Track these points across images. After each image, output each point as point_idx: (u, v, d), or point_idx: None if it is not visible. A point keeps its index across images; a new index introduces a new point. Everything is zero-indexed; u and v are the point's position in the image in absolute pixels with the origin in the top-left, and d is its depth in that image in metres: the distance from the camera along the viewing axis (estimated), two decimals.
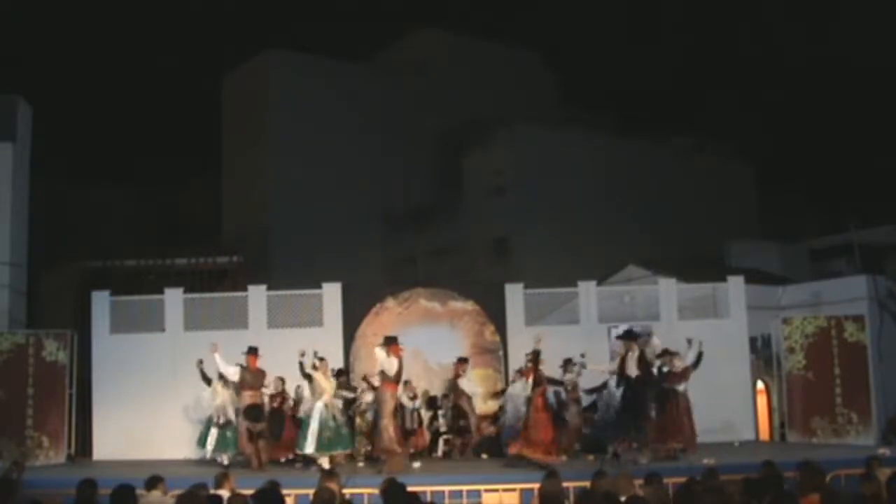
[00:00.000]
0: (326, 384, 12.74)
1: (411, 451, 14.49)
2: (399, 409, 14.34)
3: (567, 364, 13.95)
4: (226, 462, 13.23)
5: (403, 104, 34.21)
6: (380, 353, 12.63)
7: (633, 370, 12.55)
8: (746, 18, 46.29)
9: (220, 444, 13.41)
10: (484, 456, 14.38)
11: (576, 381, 14.06)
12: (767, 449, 14.91)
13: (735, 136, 36.83)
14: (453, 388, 14.73)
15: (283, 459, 13.80)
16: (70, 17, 46.26)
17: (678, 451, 12.84)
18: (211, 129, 35.22)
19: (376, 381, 13.04)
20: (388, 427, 12.38)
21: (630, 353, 12.69)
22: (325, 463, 12.36)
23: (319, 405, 12.56)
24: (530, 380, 12.78)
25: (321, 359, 12.91)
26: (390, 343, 12.62)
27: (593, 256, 24.44)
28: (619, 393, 13.04)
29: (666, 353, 13.12)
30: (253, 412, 13.04)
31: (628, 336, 13.14)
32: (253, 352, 13.30)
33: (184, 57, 46.79)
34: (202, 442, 13.57)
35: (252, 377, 13.18)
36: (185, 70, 45.95)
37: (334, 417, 12.56)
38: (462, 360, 14.87)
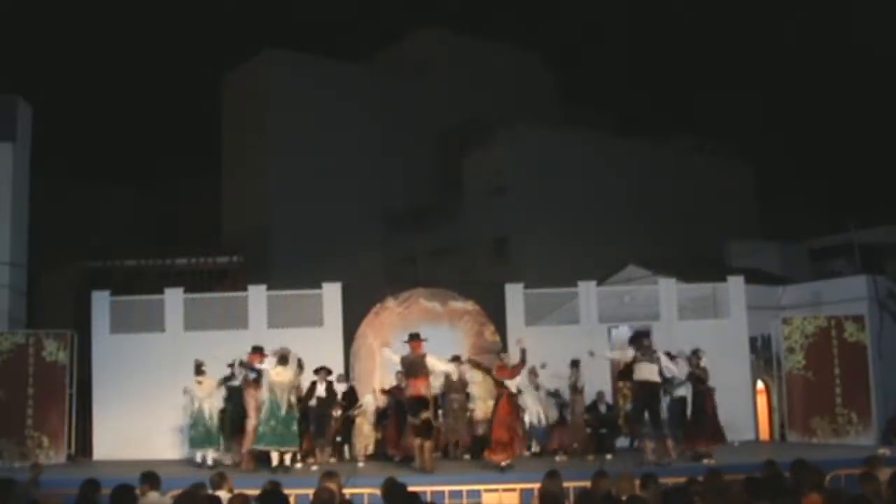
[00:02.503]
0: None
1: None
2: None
3: (574, 365, 13.99)
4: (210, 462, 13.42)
5: (403, 104, 34.21)
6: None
7: (645, 374, 12.52)
8: (747, 18, 46.30)
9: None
10: (466, 457, 14.33)
11: (577, 382, 14.12)
12: (767, 449, 14.91)
13: (735, 136, 36.86)
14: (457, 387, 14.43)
15: None
16: (70, 17, 46.31)
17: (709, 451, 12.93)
18: (211, 129, 35.26)
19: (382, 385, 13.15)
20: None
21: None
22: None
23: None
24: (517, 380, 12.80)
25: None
26: (412, 339, 12.71)
27: (593, 256, 24.44)
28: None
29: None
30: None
31: (637, 340, 12.93)
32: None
33: (184, 57, 46.84)
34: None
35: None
36: (185, 70, 46.02)
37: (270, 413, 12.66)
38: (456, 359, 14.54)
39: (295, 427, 12.68)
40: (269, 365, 12.80)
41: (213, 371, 13.86)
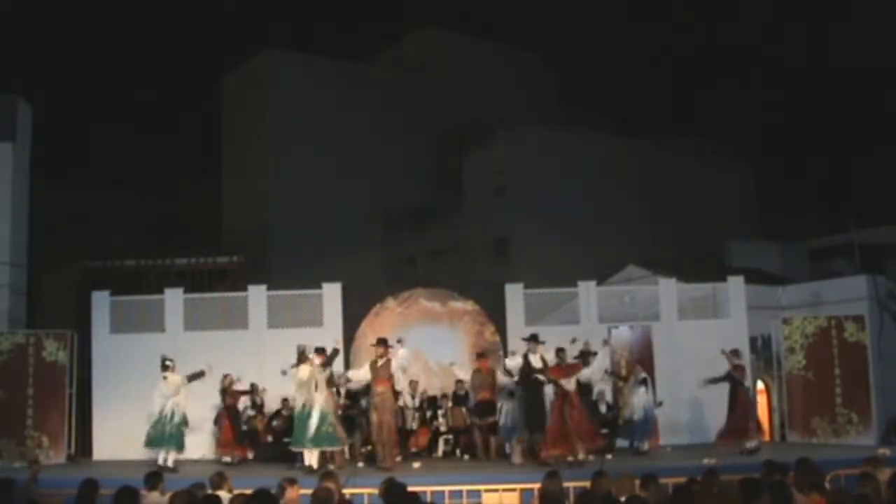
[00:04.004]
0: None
1: (412, 450, 14.53)
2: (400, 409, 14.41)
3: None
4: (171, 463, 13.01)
5: (404, 104, 34.22)
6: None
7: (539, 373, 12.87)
8: (747, 18, 46.29)
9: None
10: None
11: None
12: (767, 449, 14.88)
13: (735, 136, 36.91)
14: (483, 384, 14.07)
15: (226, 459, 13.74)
16: (70, 17, 46.31)
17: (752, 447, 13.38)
18: (211, 129, 35.28)
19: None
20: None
21: (531, 356, 12.92)
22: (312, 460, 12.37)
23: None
24: (573, 379, 12.86)
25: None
26: (381, 344, 12.98)
27: (593, 256, 24.44)
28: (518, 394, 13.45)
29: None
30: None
31: (532, 339, 13.22)
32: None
33: (184, 57, 46.86)
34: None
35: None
36: (185, 70, 46.03)
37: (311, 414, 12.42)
38: (481, 356, 14.50)
39: (310, 427, 12.18)
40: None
41: (217, 371, 13.85)
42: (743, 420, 13.72)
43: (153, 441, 13.19)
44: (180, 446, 13.26)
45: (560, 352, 13.04)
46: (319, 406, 12.34)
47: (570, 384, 12.74)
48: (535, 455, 12.89)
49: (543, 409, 12.97)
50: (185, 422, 13.40)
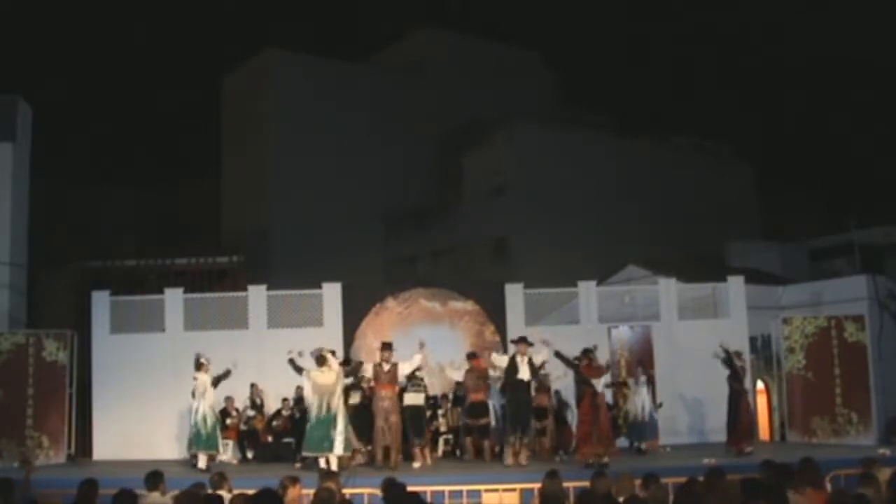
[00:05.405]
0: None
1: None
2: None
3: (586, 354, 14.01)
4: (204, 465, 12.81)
5: (403, 104, 34.20)
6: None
7: (525, 374, 12.82)
8: (747, 18, 46.30)
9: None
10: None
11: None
12: (767, 449, 14.91)
13: (735, 136, 36.88)
14: (477, 384, 13.81)
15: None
16: (70, 17, 46.29)
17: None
18: (211, 129, 35.25)
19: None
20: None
21: (520, 358, 12.87)
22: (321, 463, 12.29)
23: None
24: (603, 378, 12.92)
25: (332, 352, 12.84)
26: (385, 349, 13.08)
27: (593, 256, 24.44)
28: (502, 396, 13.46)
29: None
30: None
31: (521, 341, 13.13)
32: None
33: (184, 57, 46.85)
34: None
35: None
36: (185, 70, 45.99)
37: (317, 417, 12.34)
38: (473, 356, 14.22)
39: (334, 431, 12.03)
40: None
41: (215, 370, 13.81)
42: (750, 422, 13.96)
43: (191, 444, 13.12)
44: (213, 447, 13.12)
45: (588, 352, 13.02)
46: (339, 412, 12.21)
47: (599, 385, 12.76)
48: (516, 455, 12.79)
49: (529, 409, 12.99)
50: (218, 423, 13.35)
